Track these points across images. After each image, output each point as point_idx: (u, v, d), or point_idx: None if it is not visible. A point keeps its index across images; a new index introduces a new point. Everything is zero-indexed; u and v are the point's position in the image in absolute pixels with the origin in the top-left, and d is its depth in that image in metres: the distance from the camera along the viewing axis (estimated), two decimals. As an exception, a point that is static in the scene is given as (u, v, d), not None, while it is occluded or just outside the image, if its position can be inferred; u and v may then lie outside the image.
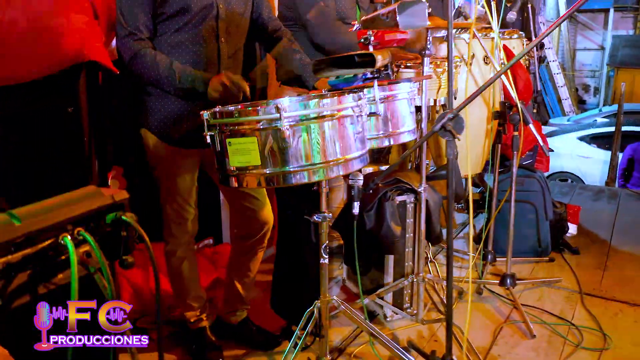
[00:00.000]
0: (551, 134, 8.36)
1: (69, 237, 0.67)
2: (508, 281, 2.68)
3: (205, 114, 1.48)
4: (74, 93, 1.74)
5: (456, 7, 2.88)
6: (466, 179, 3.65)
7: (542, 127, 9.50)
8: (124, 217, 0.72)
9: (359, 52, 1.58)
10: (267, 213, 2.28)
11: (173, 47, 1.93)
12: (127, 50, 1.85)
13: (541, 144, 2.56)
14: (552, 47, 12.12)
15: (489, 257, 3.07)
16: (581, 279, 2.97)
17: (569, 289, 2.89)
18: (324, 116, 1.43)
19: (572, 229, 3.55)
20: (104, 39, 1.81)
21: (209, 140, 1.49)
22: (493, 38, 2.81)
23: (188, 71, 1.88)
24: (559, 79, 12.28)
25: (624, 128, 7.30)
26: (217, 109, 1.65)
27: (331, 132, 1.45)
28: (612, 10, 13.46)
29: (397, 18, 1.57)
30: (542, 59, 11.62)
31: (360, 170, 2.04)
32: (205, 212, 2.86)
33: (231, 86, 1.81)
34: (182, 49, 1.94)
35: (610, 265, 3.18)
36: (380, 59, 1.54)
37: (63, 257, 0.69)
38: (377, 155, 3.39)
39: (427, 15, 1.65)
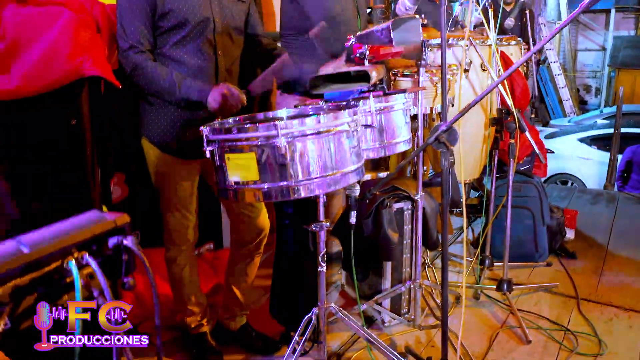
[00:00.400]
0: (552, 135, 8.38)
1: (74, 261, 0.71)
2: (505, 286, 2.71)
3: (205, 130, 1.52)
4: (77, 106, 1.78)
5: (453, 15, 2.92)
6: (463, 185, 3.70)
7: (543, 128, 9.57)
8: (124, 242, 0.76)
9: (354, 68, 1.61)
10: (264, 220, 2.33)
11: (172, 60, 1.98)
12: (129, 63, 1.90)
13: (537, 151, 2.60)
14: (553, 48, 12.14)
15: (487, 262, 3.10)
16: (578, 284, 3.00)
17: (565, 294, 2.92)
18: (320, 132, 1.47)
19: (570, 233, 3.57)
20: (106, 52, 1.86)
21: (208, 155, 1.53)
22: (491, 45, 2.85)
23: (188, 82, 1.92)
24: (560, 80, 12.30)
25: (625, 130, 7.31)
26: (216, 123, 1.69)
27: (327, 148, 1.49)
28: (613, 11, 13.46)
29: (392, 34, 1.61)
30: (542, 61, 11.61)
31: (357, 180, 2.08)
32: (206, 217, 2.90)
33: (230, 97, 1.85)
34: (181, 62, 1.98)
35: (607, 270, 3.21)
36: (375, 76, 1.58)
37: (68, 280, 0.73)
38: (377, 160, 3.43)
39: (421, 30, 1.69)
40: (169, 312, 2.55)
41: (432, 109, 2.44)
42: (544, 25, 11.56)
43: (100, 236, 0.76)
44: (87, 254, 0.73)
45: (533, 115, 4.11)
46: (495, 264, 3.13)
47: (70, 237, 0.72)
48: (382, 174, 2.70)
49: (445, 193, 1.84)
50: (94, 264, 0.71)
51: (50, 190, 1.83)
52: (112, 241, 0.77)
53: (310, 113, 1.79)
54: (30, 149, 1.77)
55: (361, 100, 1.79)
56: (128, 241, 0.77)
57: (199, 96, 1.90)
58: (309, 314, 2.01)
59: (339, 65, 1.88)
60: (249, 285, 2.45)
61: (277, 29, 3.18)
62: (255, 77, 2.94)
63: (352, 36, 1.83)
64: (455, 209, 3.99)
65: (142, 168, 2.23)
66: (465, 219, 2.20)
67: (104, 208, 2.11)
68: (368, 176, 2.78)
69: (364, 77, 1.58)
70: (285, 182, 1.47)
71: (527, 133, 2.56)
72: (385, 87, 1.71)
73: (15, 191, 1.81)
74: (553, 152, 7.65)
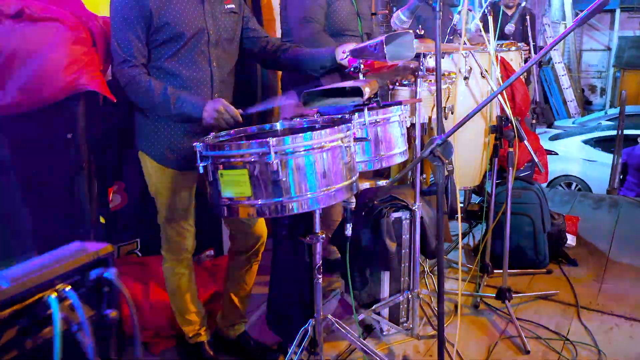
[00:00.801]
0: (556, 137, 8.34)
1: (54, 295, 0.71)
2: (504, 295, 2.70)
3: (198, 146, 1.52)
4: (73, 120, 1.78)
5: (452, 23, 2.91)
6: (464, 192, 3.69)
7: (547, 129, 9.52)
8: (105, 275, 0.76)
9: (348, 82, 1.61)
10: (261, 227, 2.34)
11: (167, 74, 1.98)
12: (123, 77, 1.90)
13: (536, 160, 2.59)
14: (557, 48, 12.09)
15: (487, 269, 3.09)
16: (578, 292, 2.99)
17: (565, 302, 2.90)
18: (313, 148, 1.47)
19: (571, 239, 3.55)
20: (101, 66, 1.86)
21: (201, 171, 1.53)
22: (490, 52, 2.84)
23: (182, 97, 1.92)
24: (565, 81, 12.24)
25: (629, 131, 7.26)
26: (210, 137, 1.70)
27: (320, 164, 1.48)
28: (618, 11, 13.36)
29: (385, 50, 1.61)
30: (547, 62, 11.52)
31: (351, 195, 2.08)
32: (206, 224, 2.90)
33: (225, 113, 1.85)
34: (176, 74, 1.98)
35: (608, 277, 3.19)
36: (368, 91, 1.57)
37: (49, 312, 0.73)
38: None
39: (414, 46, 1.68)
40: (167, 321, 2.56)
41: (430, 119, 2.43)
42: (548, 25, 11.51)
43: (82, 268, 0.76)
44: (68, 287, 0.73)
45: (534, 121, 4.09)
46: (495, 271, 3.11)
47: (52, 270, 0.73)
48: (381, 183, 2.70)
49: (441, 206, 1.83)
50: (74, 298, 0.71)
51: (45, 203, 1.84)
52: (93, 273, 0.77)
53: (305, 126, 1.79)
54: (25, 162, 1.78)
55: (356, 113, 1.79)
56: (109, 273, 0.77)
57: (193, 111, 1.90)
58: (306, 326, 2.01)
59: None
60: (248, 293, 2.46)
61: (278, 35, 3.18)
62: (255, 81, 2.95)
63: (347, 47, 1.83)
64: (456, 216, 3.97)
65: (142, 176, 2.23)
66: (460, 228, 2.19)
67: (102, 219, 2.12)
68: (367, 184, 2.78)
69: (357, 92, 1.58)
70: (278, 199, 1.47)
71: (526, 142, 2.54)
72: (379, 100, 1.71)
73: (9, 203, 1.82)
74: (557, 154, 7.62)
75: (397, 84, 2.42)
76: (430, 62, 2.50)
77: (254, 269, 2.43)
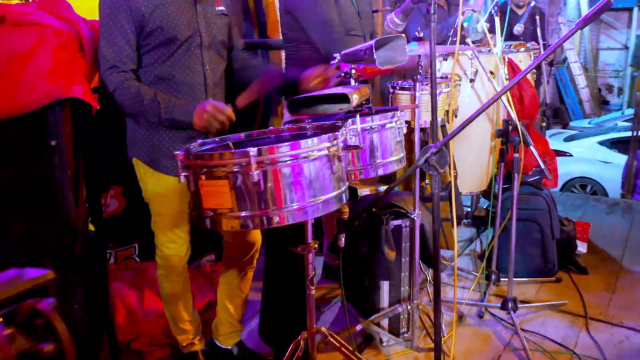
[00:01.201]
0: (571, 138, 8.17)
1: (-14, 327, 0.66)
2: (509, 305, 2.61)
3: (179, 154, 1.46)
4: (56, 126, 1.74)
5: (455, 24, 2.82)
6: (472, 196, 3.60)
7: (563, 130, 9.33)
8: (38, 306, 0.70)
9: (336, 89, 1.54)
10: (255, 234, 2.29)
11: (160, 79, 1.93)
12: (111, 83, 1.85)
13: (542, 167, 2.49)
14: (573, 47, 11.86)
15: (492, 277, 3.00)
16: (588, 302, 2.88)
17: (574, 312, 2.80)
18: (297, 158, 1.40)
19: (582, 247, 3.44)
20: (87, 71, 1.81)
21: (182, 181, 1.47)
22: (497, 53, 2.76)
23: (172, 102, 1.87)
24: (580, 81, 12.00)
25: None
26: (196, 144, 1.64)
27: (306, 174, 1.42)
28: (636, 9, 13.05)
29: (374, 55, 1.53)
30: (562, 61, 11.28)
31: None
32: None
33: (216, 114, 1.80)
34: (169, 79, 1.94)
35: (620, 286, 3.07)
36: (357, 98, 1.50)
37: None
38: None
39: (406, 50, 1.60)
40: (161, 329, 2.51)
41: (431, 123, 2.35)
42: (564, 24, 11.30)
43: (16, 297, 0.70)
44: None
45: (544, 124, 3.97)
46: (502, 279, 3.02)
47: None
48: (381, 189, 2.62)
49: (437, 216, 1.76)
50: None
51: (30, 211, 1.80)
52: (27, 304, 0.71)
53: (295, 133, 1.72)
54: (8, 170, 1.74)
55: (349, 120, 1.72)
56: (43, 304, 0.70)
57: (183, 116, 1.85)
58: (297, 338, 1.95)
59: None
60: (243, 300, 2.40)
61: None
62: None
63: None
64: (462, 222, 3.88)
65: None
66: (456, 236, 2.10)
67: (90, 226, 2.08)
68: (366, 190, 2.71)
69: (344, 98, 1.51)
70: (261, 211, 1.40)
71: (532, 147, 2.45)
72: (371, 106, 1.63)
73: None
74: (571, 155, 7.46)
75: (398, 87, 2.34)
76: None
77: (249, 276, 2.37)
